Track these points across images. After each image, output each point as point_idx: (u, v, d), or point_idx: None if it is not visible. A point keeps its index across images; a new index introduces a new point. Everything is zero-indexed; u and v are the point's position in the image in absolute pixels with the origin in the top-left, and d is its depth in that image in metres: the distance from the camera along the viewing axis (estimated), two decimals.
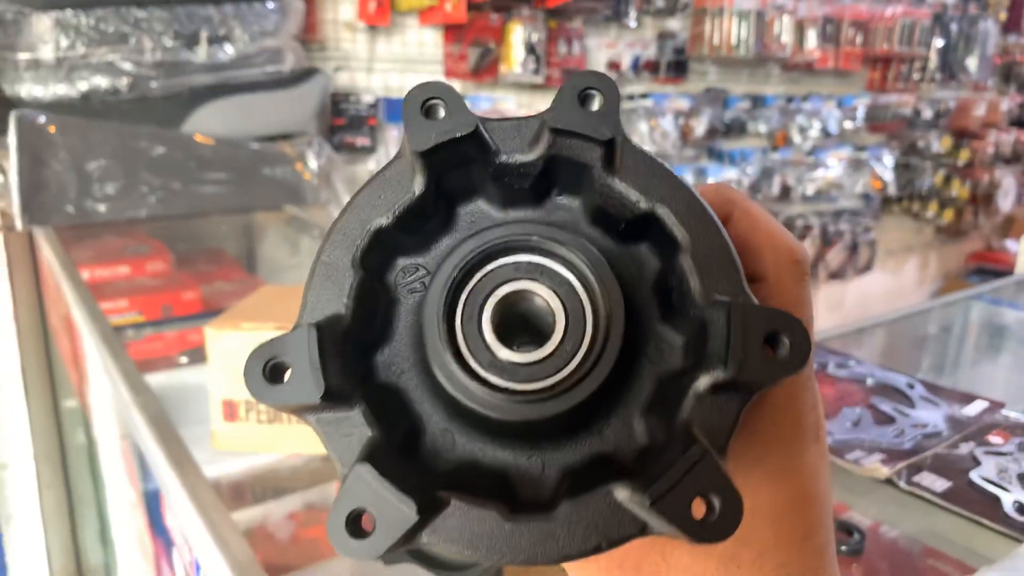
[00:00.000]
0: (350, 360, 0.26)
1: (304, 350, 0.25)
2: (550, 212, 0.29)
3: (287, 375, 0.25)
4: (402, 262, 0.29)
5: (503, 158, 0.27)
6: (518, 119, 0.28)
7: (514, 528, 0.24)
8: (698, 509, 0.23)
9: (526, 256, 0.27)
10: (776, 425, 0.30)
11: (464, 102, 0.27)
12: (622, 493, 0.24)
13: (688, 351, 0.26)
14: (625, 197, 0.27)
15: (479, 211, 0.29)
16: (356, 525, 0.23)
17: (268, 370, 0.25)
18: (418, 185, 0.27)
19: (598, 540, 0.24)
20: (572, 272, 0.27)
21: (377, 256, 0.28)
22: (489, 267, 0.27)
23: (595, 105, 0.27)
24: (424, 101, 0.27)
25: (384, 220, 0.27)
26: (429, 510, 0.24)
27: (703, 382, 0.25)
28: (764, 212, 0.32)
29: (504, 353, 0.26)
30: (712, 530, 0.23)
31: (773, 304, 0.29)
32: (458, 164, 0.27)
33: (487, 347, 0.26)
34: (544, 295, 0.26)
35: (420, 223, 0.28)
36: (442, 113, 0.27)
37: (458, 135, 0.26)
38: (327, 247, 0.27)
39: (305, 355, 0.25)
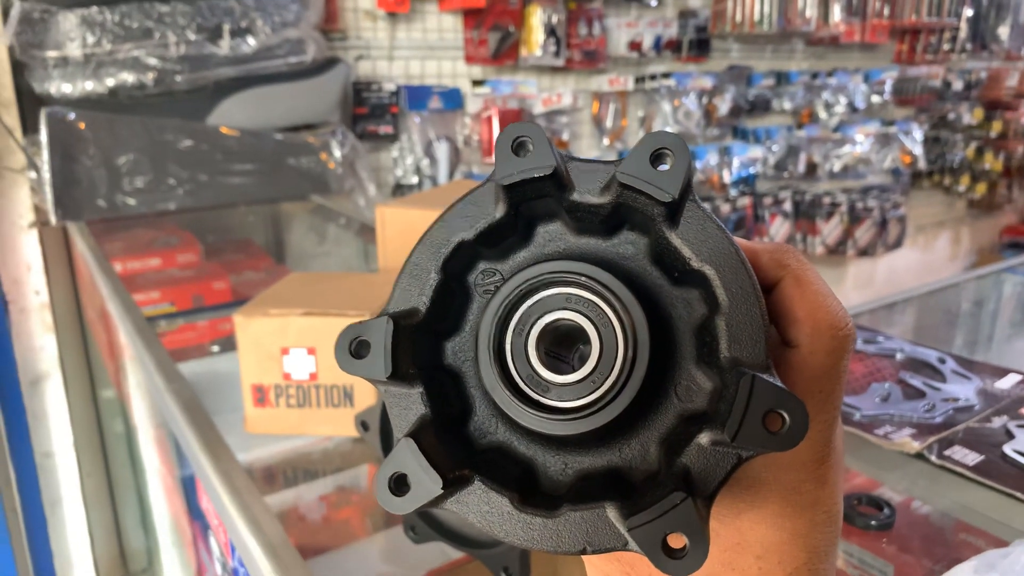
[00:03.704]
0: (422, 346, 0.31)
1: (381, 336, 0.29)
2: (618, 245, 0.32)
3: (369, 352, 0.30)
4: (483, 265, 0.33)
5: (576, 197, 0.31)
6: (596, 163, 0.31)
7: (521, 517, 0.28)
8: (673, 543, 0.26)
9: (577, 290, 0.30)
10: (778, 481, 0.32)
11: (549, 143, 0.30)
12: (612, 512, 0.28)
13: (712, 399, 0.29)
14: (679, 252, 0.30)
15: (556, 231, 0.32)
16: (396, 485, 0.28)
17: (353, 346, 0.30)
18: (499, 210, 0.31)
19: (584, 544, 0.28)
20: (615, 313, 0.29)
21: (459, 262, 0.32)
22: (544, 294, 0.30)
23: (665, 165, 0.29)
24: (515, 139, 0.30)
25: (467, 235, 0.31)
26: (455, 485, 0.28)
27: (705, 437, 0.28)
28: (815, 281, 0.33)
29: (543, 370, 0.30)
30: (677, 566, 0.26)
31: (799, 374, 0.32)
32: (537, 196, 0.31)
33: (529, 361, 0.30)
34: (586, 328, 0.30)
35: (499, 239, 0.32)
36: (529, 150, 0.30)
37: (536, 175, 0.30)
38: (417, 250, 0.32)
39: (381, 340, 0.29)
